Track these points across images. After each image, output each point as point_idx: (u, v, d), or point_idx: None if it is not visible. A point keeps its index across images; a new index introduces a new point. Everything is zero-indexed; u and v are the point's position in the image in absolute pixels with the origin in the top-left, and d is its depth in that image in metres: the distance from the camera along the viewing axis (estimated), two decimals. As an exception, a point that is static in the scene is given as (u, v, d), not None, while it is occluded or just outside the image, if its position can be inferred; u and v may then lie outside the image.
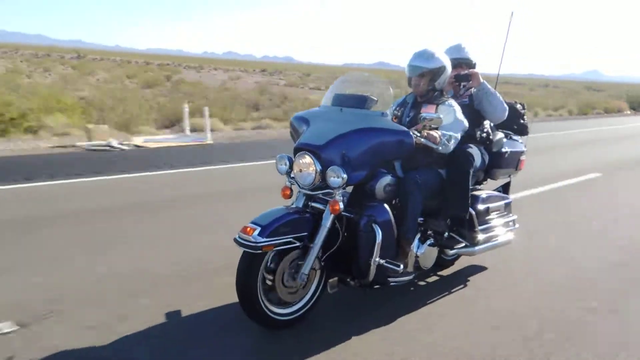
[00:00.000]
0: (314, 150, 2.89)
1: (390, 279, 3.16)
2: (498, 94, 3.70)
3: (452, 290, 3.65)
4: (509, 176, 4.19)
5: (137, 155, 9.25)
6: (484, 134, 3.78)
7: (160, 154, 9.46)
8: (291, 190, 3.11)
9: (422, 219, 3.38)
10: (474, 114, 3.69)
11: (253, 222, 2.76)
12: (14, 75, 19.61)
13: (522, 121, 4.15)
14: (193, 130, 11.89)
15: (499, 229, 3.90)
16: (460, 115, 3.36)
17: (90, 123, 11.02)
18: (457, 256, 4.04)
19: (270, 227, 2.72)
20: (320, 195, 3.00)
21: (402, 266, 3.08)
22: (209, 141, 11.13)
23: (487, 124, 3.83)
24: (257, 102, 17.92)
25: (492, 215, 3.86)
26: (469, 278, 3.88)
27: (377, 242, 2.96)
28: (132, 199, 6.04)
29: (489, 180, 4.04)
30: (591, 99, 33.12)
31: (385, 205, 3.10)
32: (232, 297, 2.90)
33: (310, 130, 3.07)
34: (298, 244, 2.85)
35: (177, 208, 5.67)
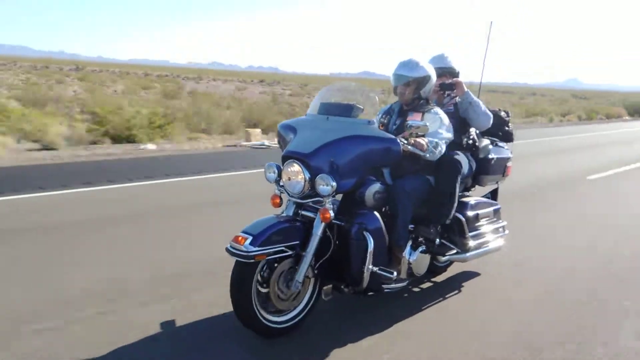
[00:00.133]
0: (302, 159, 2.92)
1: (384, 286, 3.17)
2: (481, 103, 3.77)
3: (446, 296, 3.66)
4: (497, 182, 4.24)
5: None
6: (470, 141, 3.85)
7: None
8: (281, 198, 3.13)
9: (412, 226, 3.40)
10: (460, 121, 3.76)
11: (244, 232, 2.77)
12: (60, 87, 20.10)
13: (507, 128, 4.23)
14: None
15: (490, 235, 3.93)
16: (446, 122, 3.42)
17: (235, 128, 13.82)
18: (450, 263, 4.06)
19: (262, 236, 2.72)
20: (310, 204, 3.02)
21: (395, 273, 3.10)
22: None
23: (472, 131, 3.90)
24: (292, 111, 18.10)
25: (482, 221, 3.90)
26: (462, 284, 3.89)
27: (369, 249, 2.98)
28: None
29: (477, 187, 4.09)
30: (594, 107, 35.30)
31: (376, 213, 3.12)
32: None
33: (297, 138, 3.10)
34: (290, 252, 2.86)
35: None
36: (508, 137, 4.25)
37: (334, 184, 2.83)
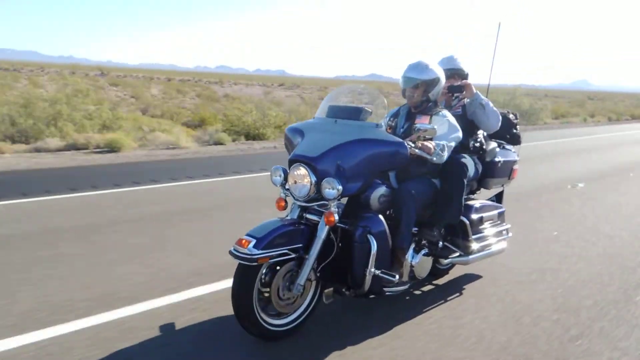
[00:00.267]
0: (308, 162, 2.90)
1: (385, 289, 3.18)
2: (491, 104, 3.74)
3: (448, 299, 3.66)
4: (502, 185, 4.22)
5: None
6: (477, 144, 3.82)
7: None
8: (286, 201, 3.12)
9: (416, 229, 3.40)
10: (467, 124, 3.72)
11: (248, 235, 2.76)
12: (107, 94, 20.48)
13: (514, 131, 4.19)
14: None
15: (493, 238, 3.92)
16: (454, 125, 3.39)
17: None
18: (452, 265, 4.07)
19: (265, 239, 2.72)
20: (315, 207, 3.02)
21: (397, 276, 3.10)
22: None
23: (480, 133, 3.87)
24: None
25: (486, 224, 3.89)
26: (464, 287, 3.90)
27: (372, 252, 2.98)
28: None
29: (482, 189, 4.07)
30: (614, 108, 37.30)
31: (380, 216, 3.11)
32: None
33: (305, 141, 3.08)
34: (293, 255, 2.86)
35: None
36: (516, 140, 4.21)
37: (340, 187, 2.82)
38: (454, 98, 3.82)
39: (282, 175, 3.06)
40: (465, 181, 3.49)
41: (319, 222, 2.94)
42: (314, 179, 2.87)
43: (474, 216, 3.73)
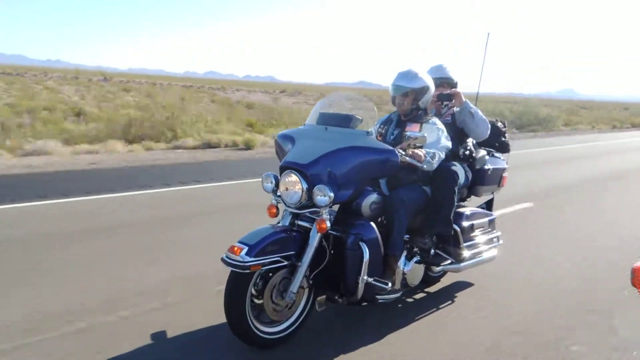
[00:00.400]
0: (300, 169, 2.90)
1: (378, 297, 3.17)
2: (480, 113, 3.78)
3: (440, 307, 3.66)
4: (492, 193, 4.26)
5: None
6: (467, 152, 3.86)
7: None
8: (277, 208, 3.12)
9: (407, 236, 3.41)
10: (457, 132, 3.76)
11: (240, 242, 2.76)
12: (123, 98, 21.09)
13: (503, 139, 4.24)
14: None
15: (484, 246, 3.94)
16: (444, 133, 3.42)
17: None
18: (443, 273, 4.08)
19: (257, 247, 2.71)
20: (307, 214, 3.02)
21: (390, 284, 3.10)
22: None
23: (469, 141, 3.91)
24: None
25: (477, 231, 3.91)
26: (456, 294, 3.90)
27: (364, 260, 2.98)
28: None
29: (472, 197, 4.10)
30: (614, 116, 39.38)
31: (372, 223, 3.12)
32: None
33: (296, 148, 3.09)
34: (285, 262, 2.85)
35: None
36: (505, 148, 4.26)
37: (332, 194, 2.82)
38: (443, 106, 3.87)
39: (274, 182, 3.06)
40: (455, 189, 3.51)
41: (310, 228, 2.94)
42: (305, 186, 2.87)
43: (465, 223, 3.75)
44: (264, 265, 2.74)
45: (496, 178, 4.12)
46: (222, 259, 2.74)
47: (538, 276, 4.34)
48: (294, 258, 2.88)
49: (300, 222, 3.06)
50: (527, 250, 5.06)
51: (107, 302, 3.51)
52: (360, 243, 2.99)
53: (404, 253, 3.37)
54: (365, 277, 3.00)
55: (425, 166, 3.22)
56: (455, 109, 3.80)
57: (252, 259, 2.67)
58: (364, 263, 2.98)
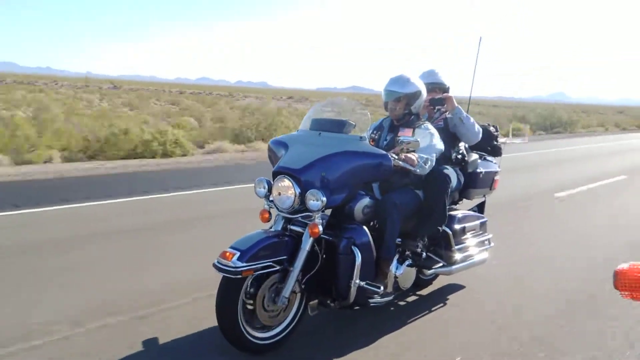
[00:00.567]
0: (293, 174, 2.91)
1: (370, 300, 3.19)
2: (471, 118, 3.81)
3: (432, 309, 3.69)
4: (484, 196, 4.29)
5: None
6: (460, 156, 3.88)
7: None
8: (270, 213, 3.13)
9: (399, 240, 3.42)
10: (449, 136, 3.79)
11: (232, 247, 2.76)
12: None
13: (495, 143, 4.27)
14: None
15: (475, 248, 3.97)
16: (436, 138, 3.44)
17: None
18: (435, 276, 4.09)
19: (249, 252, 2.71)
20: (299, 218, 3.02)
21: (382, 287, 3.11)
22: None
23: (462, 145, 3.93)
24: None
25: (468, 234, 3.93)
26: (447, 297, 3.93)
27: (356, 264, 2.99)
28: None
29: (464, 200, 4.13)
30: (618, 119, 42.24)
31: (364, 227, 3.14)
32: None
33: (289, 154, 3.10)
34: (278, 267, 2.85)
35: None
36: (497, 152, 4.29)
37: (324, 199, 2.83)
38: (435, 111, 3.89)
39: (266, 187, 3.07)
40: (448, 192, 3.53)
41: (303, 233, 2.95)
42: (298, 190, 2.88)
43: (457, 226, 3.77)
44: (256, 270, 2.74)
45: (488, 181, 4.16)
46: (214, 265, 2.73)
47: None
48: (286, 263, 2.89)
49: (292, 227, 3.07)
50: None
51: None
52: (352, 247, 3.00)
53: (396, 257, 3.38)
54: (358, 281, 3.01)
55: (418, 170, 3.24)
56: (447, 114, 3.83)
57: (244, 264, 2.67)
58: (356, 267, 2.99)
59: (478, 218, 4.09)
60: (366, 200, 3.22)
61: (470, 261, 3.89)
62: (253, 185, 3.16)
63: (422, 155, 3.26)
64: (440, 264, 3.70)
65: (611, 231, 6.15)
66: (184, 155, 12.15)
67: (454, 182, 3.68)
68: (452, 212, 3.85)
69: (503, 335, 3.31)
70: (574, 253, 5.16)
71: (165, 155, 11.70)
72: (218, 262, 2.72)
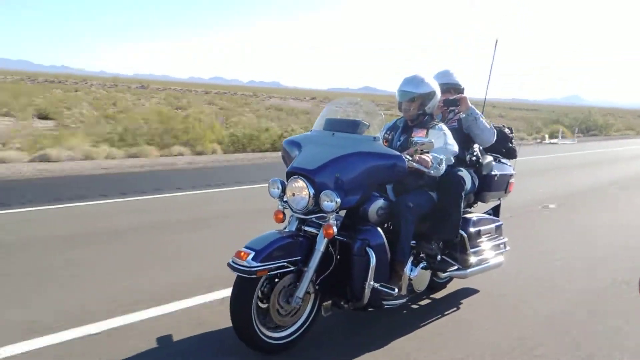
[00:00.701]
0: (307, 175, 2.91)
1: (384, 302, 3.17)
2: (485, 119, 3.78)
3: (445, 313, 3.65)
4: (499, 199, 4.25)
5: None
6: (474, 158, 3.85)
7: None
8: (284, 214, 3.12)
9: (414, 242, 3.40)
10: (463, 137, 3.76)
11: (247, 247, 2.76)
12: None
13: (510, 145, 4.23)
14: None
15: (491, 252, 3.92)
16: (450, 139, 3.42)
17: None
18: (450, 279, 4.05)
19: (264, 252, 2.71)
20: (314, 219, 3.02)
21: (396, 289, 3.09)
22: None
23: (476, 147, 3.90)
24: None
25: (484, 238, 3.90)
26: (461, 301, 3.89)
27: (371, 265, 2.98)
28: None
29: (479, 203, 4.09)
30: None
31: (379, 229, 3.12)
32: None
33: (302, 154, 3.10)
34: (292, 268, 2.85)
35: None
36: (512, 154, 4.25)
37: (338, 200, 2.82)
38: (449, 112, 3.86)
39: (280, 187, 3.07)
40: (462, 194, 3.51)
41: (317, 234, 2.94)
42: (312, 191, 2.88)
43: (472, 229, 3.74)
44: (270, 270, 2.74)
45: (503, 184, 4.11)
46: (229, 264, 2.74)
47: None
48: (301, 263, 2.88)
49: (306, 228, 3.06)
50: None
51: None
52: (367, 249, 2.99)
53: (410, 259, 3.36)
54: (372, 283, 2.99)
55: (432, 172, 3.21)
56: (461, 114, 3.80)
57: (259, 264, 2.67)
58: (370, 268, 2.97)
59: (493, 221, 4.06)
60: (380, 202, 3.20)
61: (486, 265, 3.85)
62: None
63: (436, 156, 3.24)
64: (455, 267, 3.66)
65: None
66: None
67: (468, 184, 3.65)
68: (467, 215, 3.82)
69: (518, 339, 3.26)
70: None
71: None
72: (233, 261, 2.72)
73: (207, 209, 6.88)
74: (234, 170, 11.05)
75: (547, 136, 23.21)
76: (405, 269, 3.27)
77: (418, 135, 3.35)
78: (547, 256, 5.11)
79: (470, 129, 3.77)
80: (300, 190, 2.92)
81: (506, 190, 4.18)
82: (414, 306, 3.75)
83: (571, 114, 35.77)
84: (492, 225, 4.01)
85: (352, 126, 3.17)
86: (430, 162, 3.18)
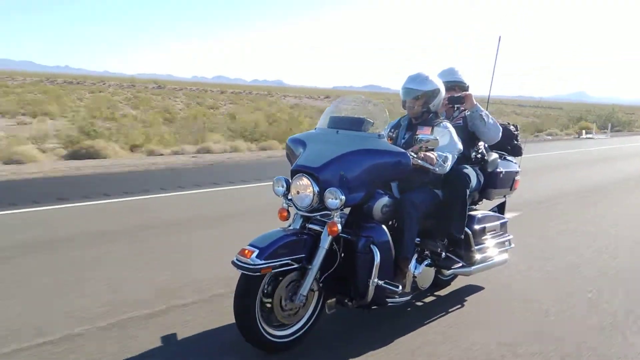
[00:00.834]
0: (311, 172, 2.90)
1: (388, 300, 3.17)
2: (490, 116, 3.76)
3: (450, 310, 3.65)
4: (504, 196, 4.23)
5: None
6: (479, 155, 3.83)
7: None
8: (288, 212, 3.12)
9: (418, 239, 3.39)
10: (468, 135, 3.74)
11: (251, 245, 2.76)
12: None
13: (515, 142, 4.21)
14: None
15: (495, 249, 3.91)
16: (455, 136, 3.41)
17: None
18: (454, 276, 4.05)
19: (268, 250, 2.71)
20: (318, 217, 3.02)
21: (400, 287, 3.09)
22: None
23: (481, 145, 3.88)
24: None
25: (488, 235, 3.88)
26: (466, 298, 3.88)
27: (375, 263, 2.97)
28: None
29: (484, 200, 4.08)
30: None
31: (383, 226, 3.11)
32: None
33: (307, 152, 3.09)
34: (296, 265, 2.85)
35: None
36: (517, 151, 4.23)
37: (343, 197, 2.82)
38: (454, 109, 3.85)
39: (285, 185, 3.07)
40: (467, 191, 3.49)
41: (321, 232, 2.94)
42: (316, 189, 2.87)
43: (477, 227, 3.73)
44: (274, 268, 2.74)
45: (508, 181, 4.09)
46: (233, 262, 2.74)
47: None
48: (305, 261, 2.88)
49: (311, 226, 3.06)
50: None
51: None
52: (371, 246, 2.99)
53: (415, 256, 3.35)
54: (376, 280, 2.99)
55: (437, 169, 3.21)
56: (466, 112, 3.78)
57: (263, 261, 2.67)
58: (374, 266, 2.97)
59: (498, 218, 4.04)
60: (385, 199, 3.19)
61: (490, 262, 3.84)
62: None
63: (441, 153, 3.23)
64: (460, 265, 3.65)
65: None
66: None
67: (473, 181, 3.64)
68: (472, 212, 3.81)
69: (523, 337, 3.25)
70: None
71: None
72: (237, 259, 2.73)
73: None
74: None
75: (584, 131, 25.43)
76: (409, 267, 3.27)
77: (423, 133, 3.33)
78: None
79: (475, 126, 3.75)
80: (305, 188, 2.92)
81: (512, 187, 4.16)
82: (419, 303, 3.75)
83: (596, 112, 36.79)
84: (497, 223, 3.99)
85: (356, 124, 3.16)
86: (435, 160, 3.18)
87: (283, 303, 2.89)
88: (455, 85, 3.83)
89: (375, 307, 3.17)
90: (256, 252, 2.69)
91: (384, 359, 2.94)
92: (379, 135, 3.09)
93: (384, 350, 3.04)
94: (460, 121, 3.78)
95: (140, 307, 3.48)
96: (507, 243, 4.08)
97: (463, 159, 3.62)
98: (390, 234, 3.12)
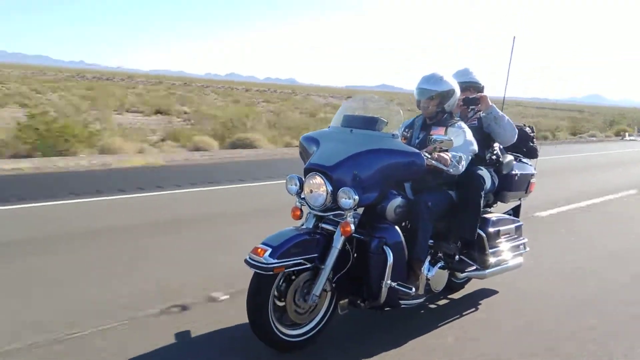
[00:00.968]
0: (325, 171, 2.89)
1: (401, 302, 3.14)
2: (507, 117, 3.72)
3: (463, 314, 3.60)
4: (519, 199, 4.17)
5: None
6: (494, 156, 3.79)
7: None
8: (301, 211, 3.11)
9: (432, 241, 3.36)
10: (483, 136, 3.70)
11: (264, 243, 2.75)
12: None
13: (531, 144, 4.16)
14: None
15: (510, 252, 3.86)
16: (470, 137, 3.37)
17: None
18: (468, 279, 4.00)
19: (281, 249, 2.70)
20: (331, 217, 3.00)
21: (413, 289, 3.06)
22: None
23: (496, 146, 3.84)
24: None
25: (503, 238, 3.83)
26: (480, 301, 3.83)
27: (388, 264, 2.95)
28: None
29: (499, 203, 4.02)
30: None
31: (396, 227, 3.09)
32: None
33: (320, 150, 3.08)
34: (309, 265, 2.84)
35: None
36: (533, 153, 4.18)
37: (356, 197, 2.80)
38: (469, 110, 3.81)
39: (298, 184, 3.05)
40: (481, 193, 3.45)
41: (334, 231, 2.92)
42: (330, 188, 2.86)
43: (491, 229, 3.68)
44: (287, 267, 2.73)
45: (524, 184, 4.04)
46: (246, 261, 2.74)
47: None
48: (317, 261, 2.86)
49: (324, 225, 3.04)
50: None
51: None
52: (384, 247, 2.96)
53: (428, 258, 3.32)
54: (389, 282, 2.97)
55: (451, 170, 3.17)
56: (482, 113, 3.74)
57: (276, 260, 2.66)
58: (387, 267, 2.94)
59: (513, 222, 3.99)
60: (398, 200, 3.17)
61: (505, 265, 3.79)
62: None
63: (455, 154, 3.20)
64: (474, 268, 3.61)
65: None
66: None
67: (488, 183, 3.59)
68: (487, 215, 3.76)
69: (537, 343, 3.20)
70: None
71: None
72: (250, 257, 2.72)
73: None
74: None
75: (626, 134, 27.23)
76: (422, 268, 3.23)
77: (437, 133, 3.30)
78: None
79: (490, 127, 3.71)
80: (318, 187, 2.91)
81: (527, 190, 4.10)
82: (431, 306, 3.71)
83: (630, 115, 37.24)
84: (512, 226, 3.94)
85: (370, 123, 3.14)
86: (449, 160, 3.15)
87: (296, 303, 2.87)
88: (470, 86, 3.80)
89: (388, 308, 3.14)
90: (269, 250, 2.68)
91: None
92: (393, 134, 3.07)
93: (397, 351, 3.01)
94: (476, 122, 3.74)
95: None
96: (521, 247, 4.02)
97: (477, 160, 3.58)
98: (404, 235, 3.09)
